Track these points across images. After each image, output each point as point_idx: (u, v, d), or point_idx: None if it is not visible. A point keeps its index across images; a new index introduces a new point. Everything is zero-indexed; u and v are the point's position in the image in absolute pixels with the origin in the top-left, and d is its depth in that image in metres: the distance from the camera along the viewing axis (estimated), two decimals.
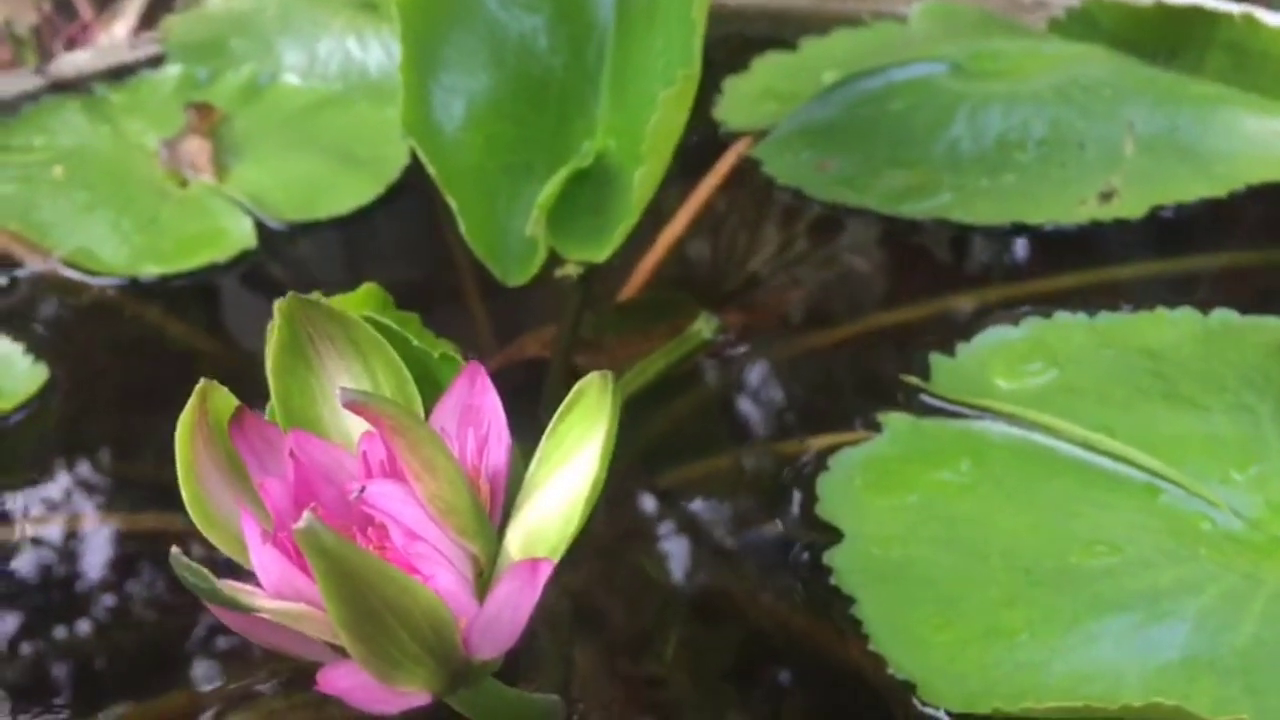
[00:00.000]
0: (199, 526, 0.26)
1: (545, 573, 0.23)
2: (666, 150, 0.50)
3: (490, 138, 0.54)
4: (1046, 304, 0.52)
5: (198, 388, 0.26)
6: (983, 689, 0.35)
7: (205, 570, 0.24)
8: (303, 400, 0.28)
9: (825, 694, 0.38)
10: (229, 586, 0.24)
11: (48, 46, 1.20)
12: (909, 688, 0.35)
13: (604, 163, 0.56)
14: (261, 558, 0.23)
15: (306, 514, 0.20)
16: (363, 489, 0.24)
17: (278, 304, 0.28)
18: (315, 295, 0.38)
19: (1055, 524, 0.40)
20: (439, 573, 0.23)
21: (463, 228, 0.49)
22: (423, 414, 0.27)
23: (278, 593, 0.24)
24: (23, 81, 0.78)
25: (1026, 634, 0.36)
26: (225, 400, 0.27)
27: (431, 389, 0.32)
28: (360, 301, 0.39)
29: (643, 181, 0.48)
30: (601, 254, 0.49)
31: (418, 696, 0.24)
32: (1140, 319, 0.49)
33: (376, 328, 0.32)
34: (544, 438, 0.27)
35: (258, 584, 0.24)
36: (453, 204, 0.49)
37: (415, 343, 0.32)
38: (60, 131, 0.74)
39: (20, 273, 0.61)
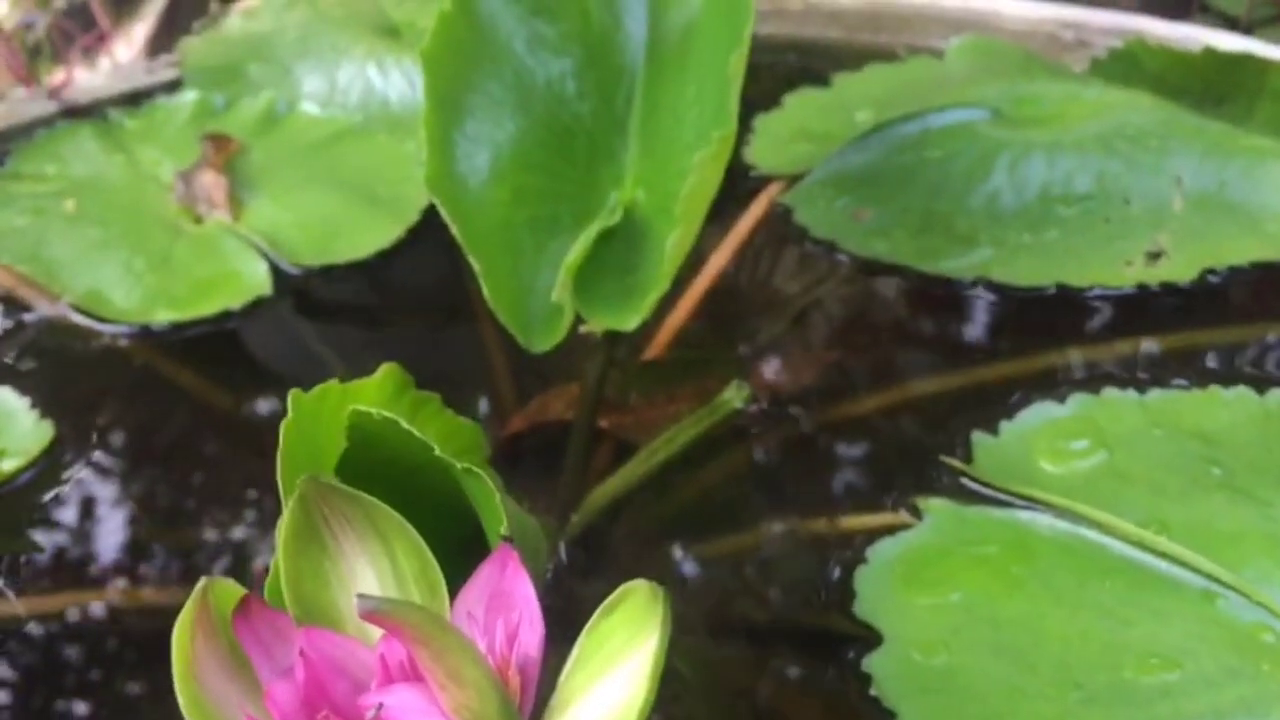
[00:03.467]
0: None
1: None
2: (699, 213, 0.48)
3: (516, 190, 0.52)
4: (1092, 375, 0.50)
5: (200, 586, 0.24)
6: None
7: None
8: (316, 586, 0.26)
9: None
10: None
11: (63, 56, 1.19)
12: None
13: (633, 217, 0.54)
14: None
15: None
16: (380, 706, 0.21)
17: (299, 485, 0.26)
18: (332, 384, 0.36)
19: (1108, 632, 0.38)
20: None
21: (486, 291, 0.47)
22: (447, 598, 0.25)
23: None
24: (37, 106, 0.77)
25: None
26: (228, 592, 0.25)
27: (451, 501, 0.30)
28: (379, 386, 0.37)
29: (674, 249, 0.46)
30: (630, 323, 0.47)
31: None
32: (1193, 398, 0.47)
33: (389, 427, 0.30)
34: (583, 635, 0.25)
35: None
36: (475, 264, 0.47)
37: (438, 452, 0.29)
38: (73, 160, 0.72)
39: (29, 317, 0.59)
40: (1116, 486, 0.43)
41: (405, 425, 0.31)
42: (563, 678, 0.25)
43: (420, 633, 0.21)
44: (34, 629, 0.43)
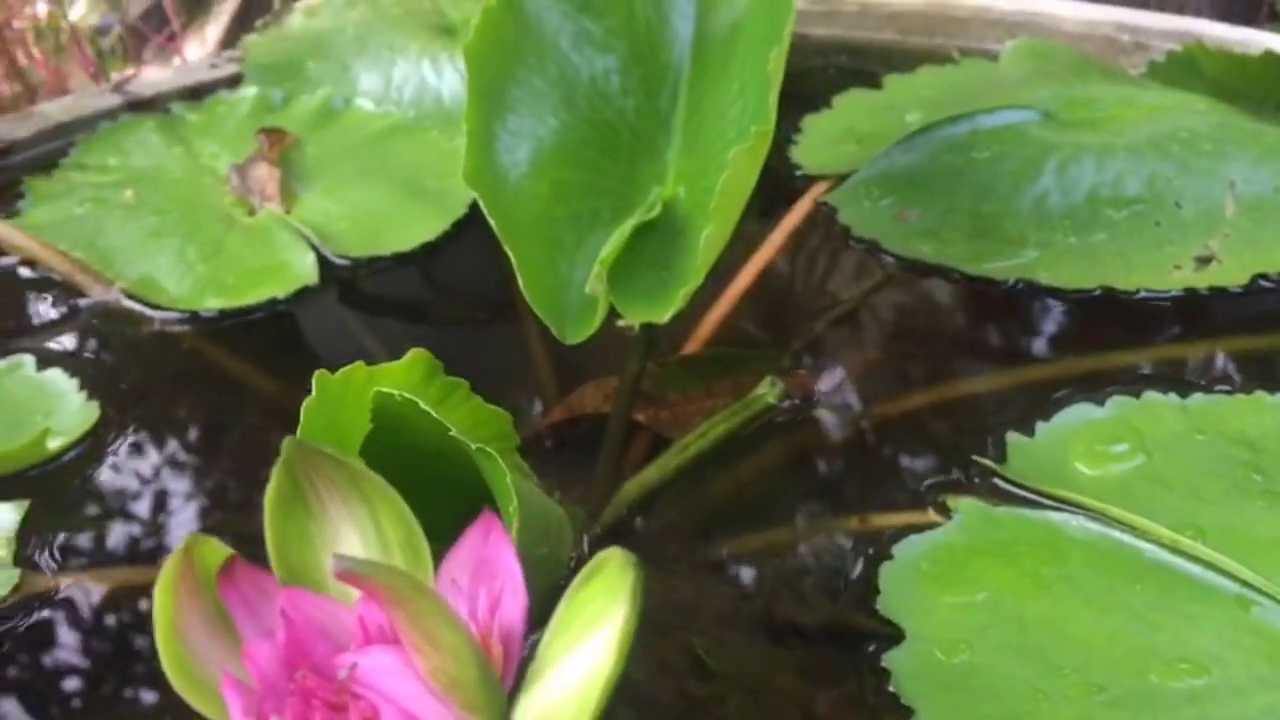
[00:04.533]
0: (179, 690, 0.24)
1: None
2: (735, 208, 0.48)
3: (556, 184, 0.53)
4: (1135, 379, 0.49)
5: (184, 542, 0.25)
6: None
7: None
8: (301, 549, 0.26)
9: None
10: None
11: (135, 56, 1.21)
12: None
13: (671, 213, 0.54)
14: None
15: None
16: (354, 666, 0.22)
17: (284, 447, 0.26)
18: (358, 365, 0.36)
19: (1136, 636, 0.37)
20: None
21: (521, 283, 0.47)
22: (431, 566, 0.25)
23: None
24: (102, 99, 0.79)
25: None
26: (215, 551, 0.25)
27: (472, 485, 0.31)
28: (405, 371, 0.38)
29: (709, 243, 0.46)
30: (662, 316, 0.47)
31: None
32: (1237, 403, 0.46)
33: (411, 409, 0.30)
34: (562, 603, 0.25)
35: None
36: (512, 256, 0.48)
37: (452, 432, 0.30)
38: (135, 152, 0.74)
39: (83, 302, 0.61)
40: (1153, 490, 0.43)
41: (424, 406, 0.32)
42: (541, 646, 0.25)
43: (395, 594, 0.21)
44: (71, 598, 0.44)
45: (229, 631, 0.25)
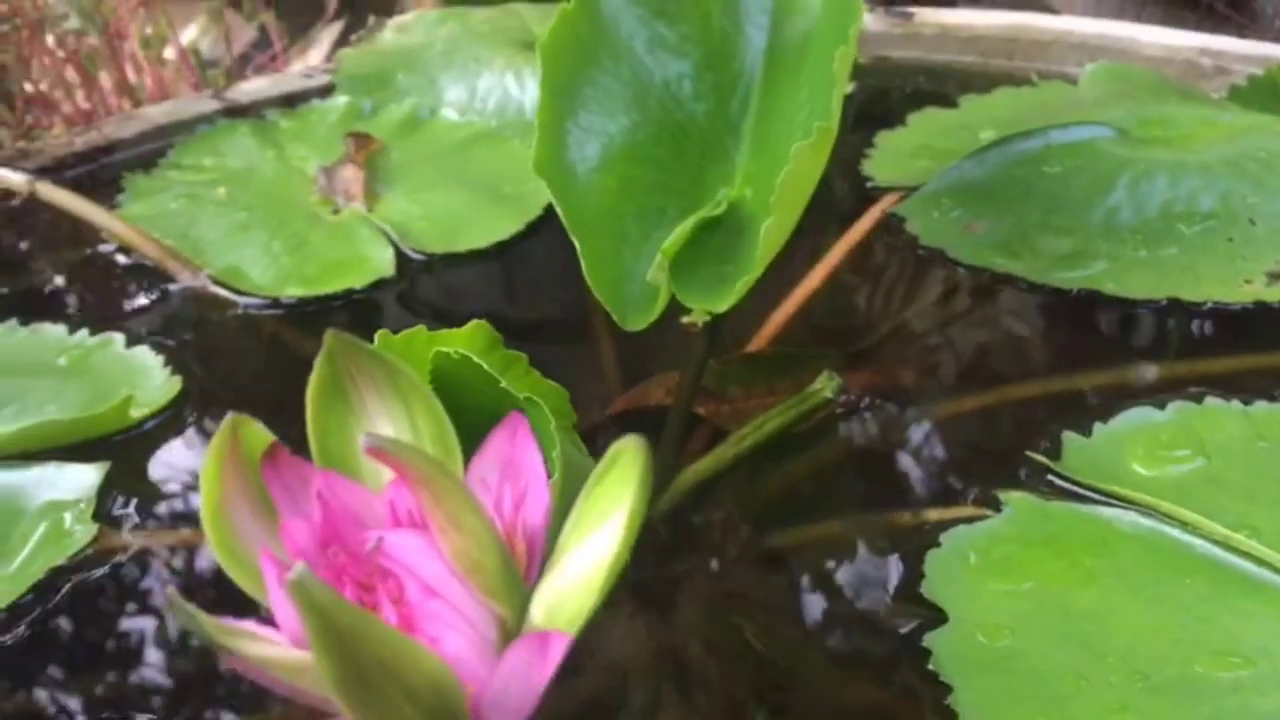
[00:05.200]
0: (222, 563, 0.26)
1: (559, 647, 0.22)
2: (797, 203, 0.49)
3: (625, 180, 0.54)
4: (1197, 388, 0.48)
5: (227, 420, 0.26)
6: None
7: (200, 614, 0.23)
8: (340, 440, 0.27)
9: None
10: (232, 630, 0.23)
11: (238, 76, 1.26)
12: None
13: (737, 211, 0.55)
14: (279, 602, 0.23)
15: (298, 565, 0.20)
16: (380, 539, 0.23)
17: (326, 339, 0.28)
18: (420, 328, 0.38)
19: (1183, 627, 0.37)
20: (448, 635, 0.22)
21: (585, 270, 0.49)
22: (461, 462, 0.26)
23: (295, 639, 0.23)
24: (201, 104, 0.82)
25: None
26: (259, 434, 0.27)
27: None
28: (466, 338, 0.39)
29: (769, 234, 0.47)
30: (721, 305, 0.48)
31: None
32: None
33: (467, 367, 0.32)
34: (579, 498, 0.26)
35: None
36: (577, 244, 0.49)
37: (503, 383, 0.31)
38: (229, 154, 0.77)
39: (172, 286, 0.63)
40: (1209, 491, 0.42)
41: (477, 361, 0.33)
42: (560, 540, 0.26)
43: (421, 475, 0.22)
44: (144, 554, 0.46)
45: (270, 513, 0.26)
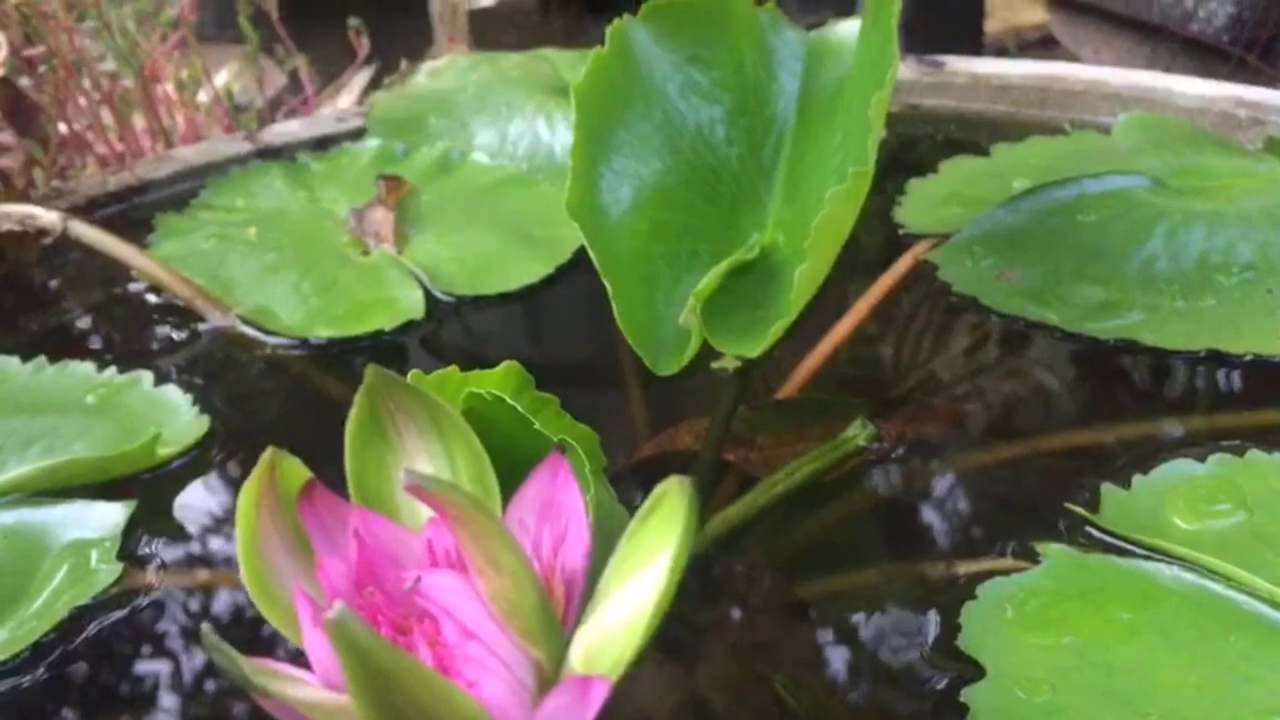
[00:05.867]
0: (255, 602, 0.25)
1: (600, 694, 0.21)
2: (831, 249, 0.49)
3: (657, 224, 0.54)
4: (1238, 441, 0.47)
5: (265, 456, 0.26)
6: None
7: (235, 653, 0.23)
8: (378, 478, 0.27)
9: None
10: (266, 671, 0.23)
11: (270, 119, 1.27)
12: None
13: (770, 257, 0.55)
14: (314, 642, 0.22)
15: (338, 604, 0.19)
16: (418, 579, 0.22)
17: (366, 374, 0.27)
18: (453, 369, 0.38)
19: (1227, 686, 0.36)
20: (485, 679, 0.21)
21: (616, 312, 0.48)
22: (500, 506, 0.26)
23: (328, 681, 0.22)
24: (234, 146, 0.83)
25: None
26: (296, 471, 0.26)
27: None
28: (498, 380, 0.39)
29: (803, 279, 0.47)
30: (754, 350, 0.48)
31: None
32: None
33: (500, 408, 0.31)
34: (622, 540, 0.26)
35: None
36: (609, 286, 0.49)
37: (536, 425, 0.30)
38: (261, 195, 0.77)
39: (202, 326, 0.63)
40: (1252, 546, 0.41)
41: (511, 403, 0.33)
42: (601, 583, 0.25)
43: (461, 513, 0.22)
44: (169, 594, 0.45)
45: (306, 551, 0.26)
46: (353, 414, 0.28)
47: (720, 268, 0.51)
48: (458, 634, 0.22)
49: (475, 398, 0.35)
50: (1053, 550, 0.42)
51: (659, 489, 0.26)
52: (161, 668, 0.43)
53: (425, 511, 0.26)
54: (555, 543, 0.24)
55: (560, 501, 0.25)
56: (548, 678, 0.23)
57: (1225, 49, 1.29)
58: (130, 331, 0.65)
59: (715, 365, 0.56)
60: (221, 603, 0.45)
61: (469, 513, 0.22)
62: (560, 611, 0.24)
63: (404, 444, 0.27)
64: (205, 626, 0.23)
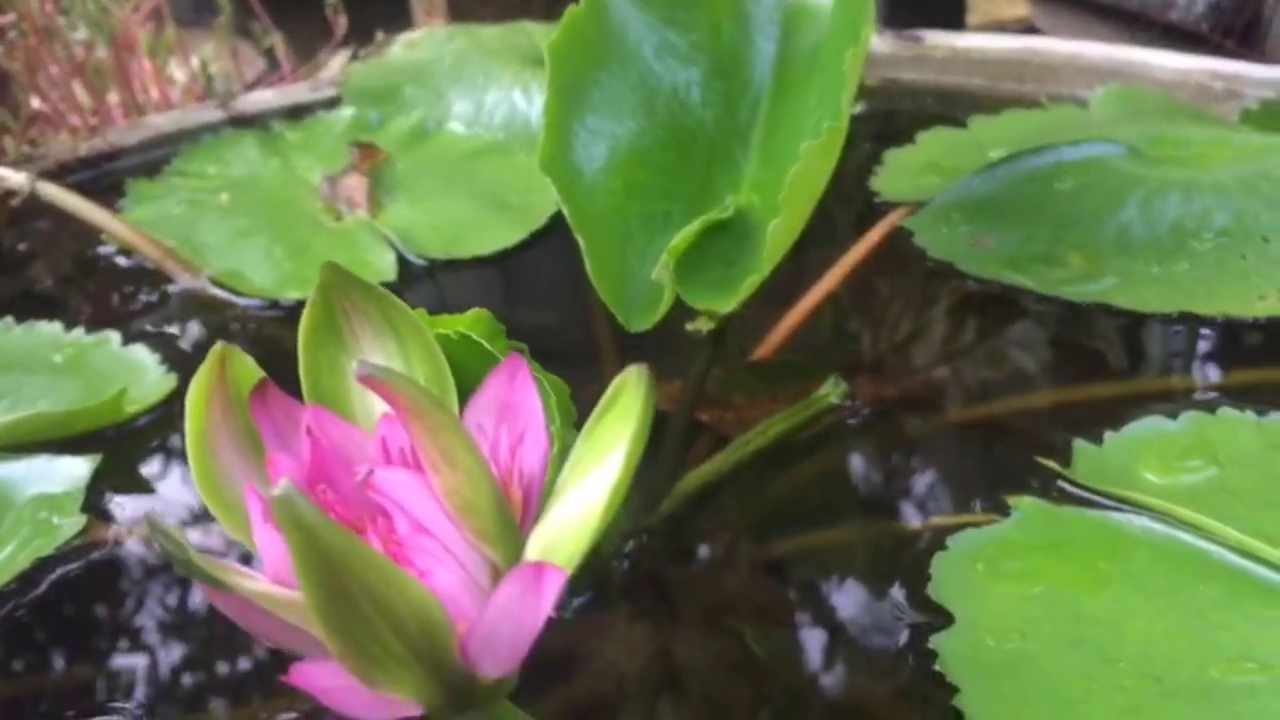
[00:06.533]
0: (205, 500, 0.25)
1: (554, 583, 0.20)
2: (806, 204, 0.48)
3: (631, 183, 0.53)
4: (1210, 400, 0.47)
5: (215, 350, 0.25)
6: None
7: (183, 539, 0.22)
8: (332, 380, 0.26)
9: None
10: (216, 563, 0.22)
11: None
12: None
13: (745, 218, 0.54)
14: (263, 537, 0.22)
15: (284, 481, 0.18)
16: (370, 472, 0.22)
17: (321, 271, 0.26)
18: (421, 310, 0.37)
19: (1197, 633, 0.36)
20: (438, 570, 0.21)
21: (589, 267, 0.48)
22: (457, 408, 0.25)
23: (277, 577, 0.22)
24: (207, 114, 0.82)
25: None
26: (248, 370, 0.26)
27: None
28: (469, 323, 0.38)
29: (777, 233, 0.46)
30: (727, 305, 0.47)
31: (407, 706, 0.22)
32: None
33: (468, 347, 0.31)
34: (579, 439, 0.25)
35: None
36: (582, 242, 0.48)
37: (488, 347, 0.30)
38: (234, 162, 0.76)
39: (172, 288, 0.63)
40: (1223, 500, 0.41)
41: (479, 340, 0.32)
42: (558, 485, 0.25)
43: (414, 406, 0.21)
44: (130, 548, 0.45)
45: (258, 451, 0.25)
46: (306, 314, 0.27)
47: (694, 224, 0.51)
48: (411, 528, 0.22)
49: (443, 338, 0.34)
50: (1024, 503, 0.42)
51: (616, 381, 0.25)
52: (121, 616, 0.42)
53: (381, 411, 0.25)
54: (513, 445, 0.24)
55: (518, 404, 0.25)
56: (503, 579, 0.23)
57: (1204, 35, 1.29)
58: (99, 293, 0.64)
59: (690, 327, 0.56)
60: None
61: (422, 406, 0.21)
62: (518, 516, 0.23)
63: (359, 345, 0.27)
64: (150, 512, 0.22)
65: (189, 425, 0.25)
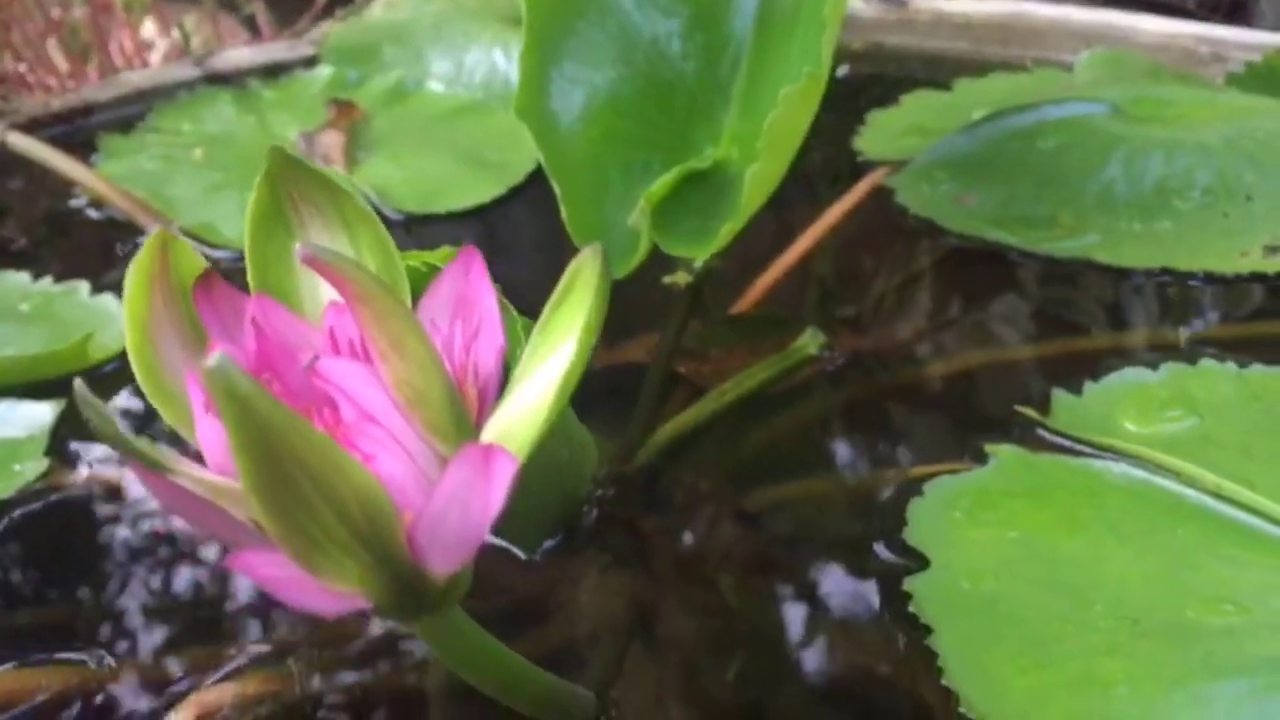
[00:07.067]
0: (147, 394, 0.24)
1: (504, 468, 0.19)
2: (785, 153, 0.48)
3: (609, 132, 0.53)
4: (1191, 349, 0.47)
5: (155, 234, 0.24)
6: None
7: (110, 413, 0.21)
8: (280, 272, 0.25)
9: None
10: (150, 446, 0.22)
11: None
12: None
13: (723, 170, 0.53)
14: (205, 427, 0.21)
15: (217, 352, 0.18)
16: (315, 358, 0.21)
17: (267, 156, 0.25)
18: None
19: (1174, 575, 0.35)
20: (383, 456, 0.20)
21: (565, 213, 0.47)
22: (410, 301, 0.24)
23: (220, 469, 0.21)
24: (182, 71, 0.81)
25: (1125, 687, 0.32)
26: (192, 260, 0.25)
27: None
28: (440, 260, 0.37)
29: (755, 181, 0.45)
30: (704, 252, 0.47)
31: (352, 598, 0.21)
32: None
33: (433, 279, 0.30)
34: (534, 332, 0.25)
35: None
36: (557, 188, 0.48)
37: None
38: (209, 119, 0.75)
39: (142, 240, 0.61)
40: (1203, 448, 0.41)
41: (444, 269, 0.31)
42: (512, 380, 0.24)
43: (362, 290, 0.20)
44: (91, 491, 0.44)
45: (202, 345, 0.24)
46: (252, 202, 0.26)
47: (673, 172, 0.50)
48: (357, 417, 0.21)
49: (412, 270, 0.34)
50: (1001, 450, 0.41)
51: (570, 267, 0.24)
52: (81, 558, 0.42)
53: (329, 299, 0.24)
54: (467, 341, 0.23)
55: (473, 298, 0.24)
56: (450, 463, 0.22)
57: (1191, 11, 1.29)
58: (69, 244, 0.63)
59: (667, 280, 0.55)
60: (141, 499, 0.44)
61: (370, 290, 0.20)
62: (473, 415, 0.23)
63: (308, 235, 0.26)
64: (77, 381, 0.21)
65: (127, 314, 0.24)
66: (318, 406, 0.22)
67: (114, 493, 0.44)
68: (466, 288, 0.24)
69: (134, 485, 0.44)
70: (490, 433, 0.22)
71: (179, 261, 0.25)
